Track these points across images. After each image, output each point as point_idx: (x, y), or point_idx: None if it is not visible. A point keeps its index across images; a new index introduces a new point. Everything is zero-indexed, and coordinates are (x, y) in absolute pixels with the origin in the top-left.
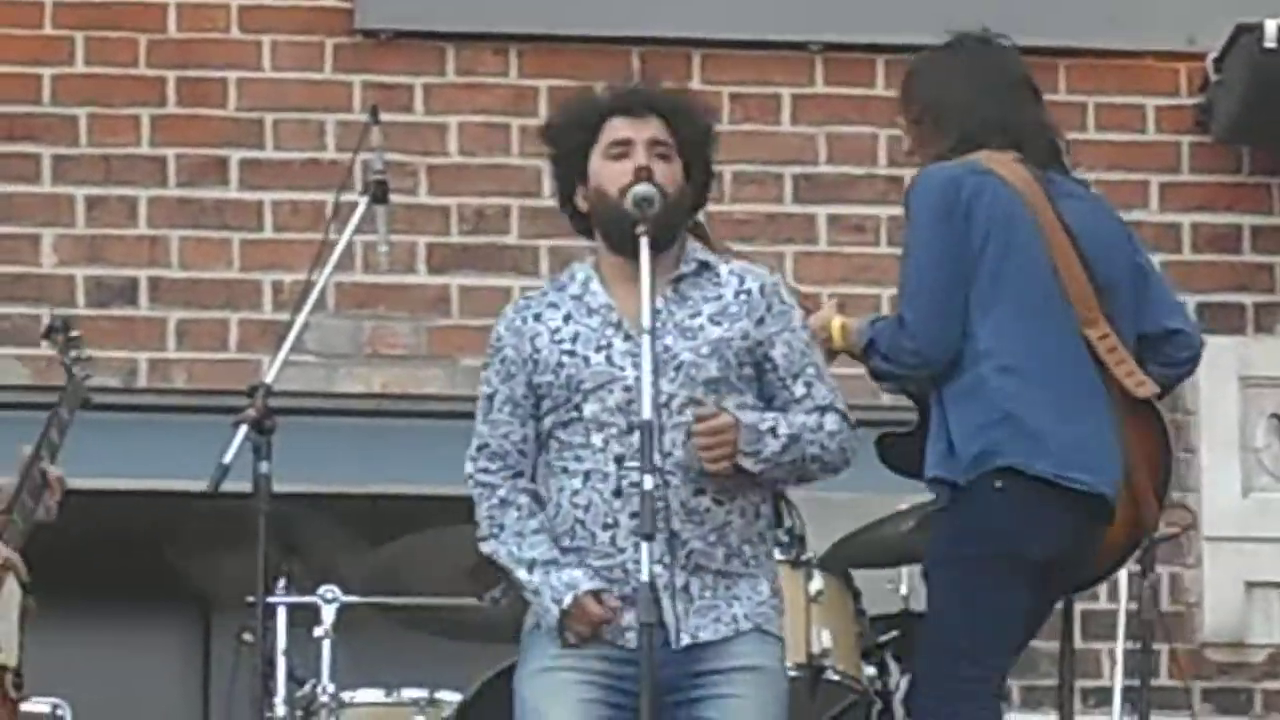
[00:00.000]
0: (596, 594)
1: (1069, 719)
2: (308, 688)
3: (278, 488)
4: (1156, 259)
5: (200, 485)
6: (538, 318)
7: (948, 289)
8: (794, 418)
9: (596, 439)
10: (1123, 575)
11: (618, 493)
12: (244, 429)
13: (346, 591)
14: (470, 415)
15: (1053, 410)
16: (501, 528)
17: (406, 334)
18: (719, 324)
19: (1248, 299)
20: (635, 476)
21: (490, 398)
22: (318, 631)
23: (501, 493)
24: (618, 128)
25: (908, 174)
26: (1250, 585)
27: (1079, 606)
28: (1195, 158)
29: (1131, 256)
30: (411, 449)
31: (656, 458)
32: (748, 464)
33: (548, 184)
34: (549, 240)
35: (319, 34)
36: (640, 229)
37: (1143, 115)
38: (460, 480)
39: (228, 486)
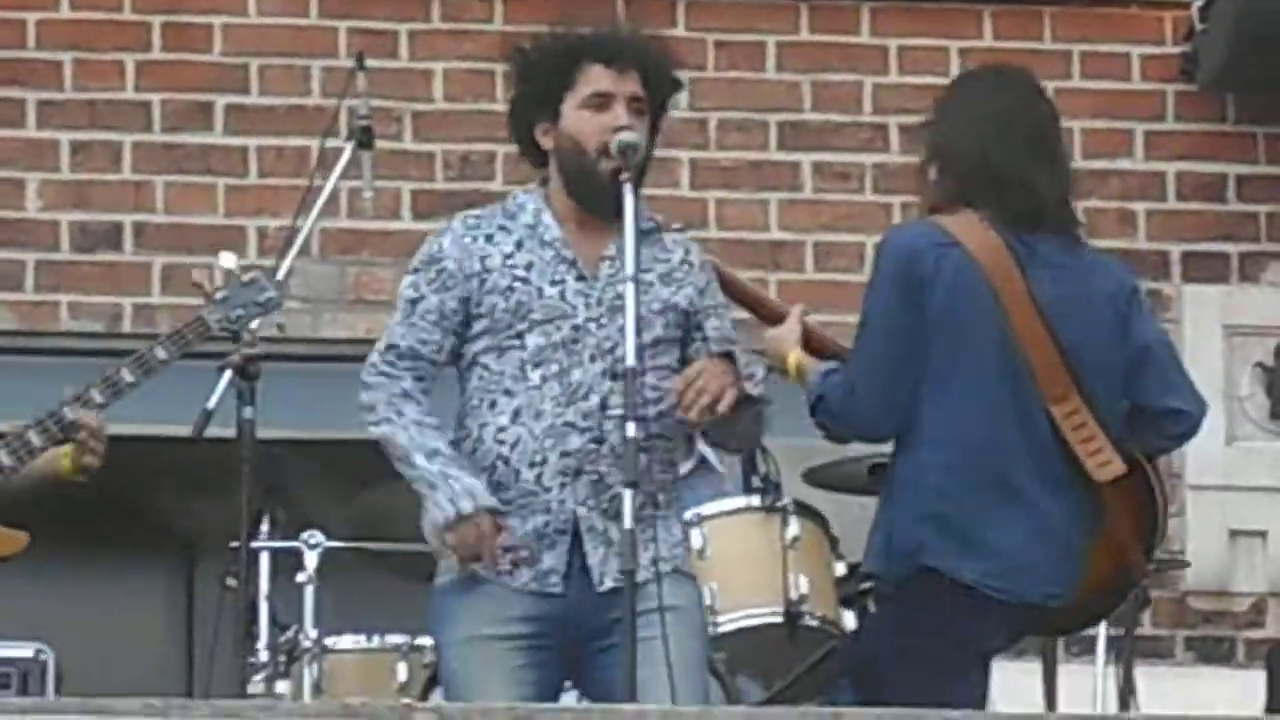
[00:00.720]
0: (494, 515)
1: (1053, 668)
2: (290, 633)
3: (262, 433)
4: (1141, 207)
5: (184, 430)
6: (489, 239)
7: (900, 365)
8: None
9: (534, 374)
10: None
11: (551, 430)
12: (228, 374)
13: (329, 537)
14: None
15: (991, 510)
16: (400, 414)
17: (391, 279)
18: (668, 286)
19: (1232, 248)
20: (571, 416)
21: (414, 302)
22: (300, 577)
23: (405, 384)
24: (598, 77)
25: (893, 121)
26: (1234, 534)
27: None
28: (1180, 106)
29: (1127, 326)
30: None
31: (594, 400)
32: (750, 386)
33: None
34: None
35: None
36: (624, 175)
37: (1128, 64)
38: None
39: (212, 432)
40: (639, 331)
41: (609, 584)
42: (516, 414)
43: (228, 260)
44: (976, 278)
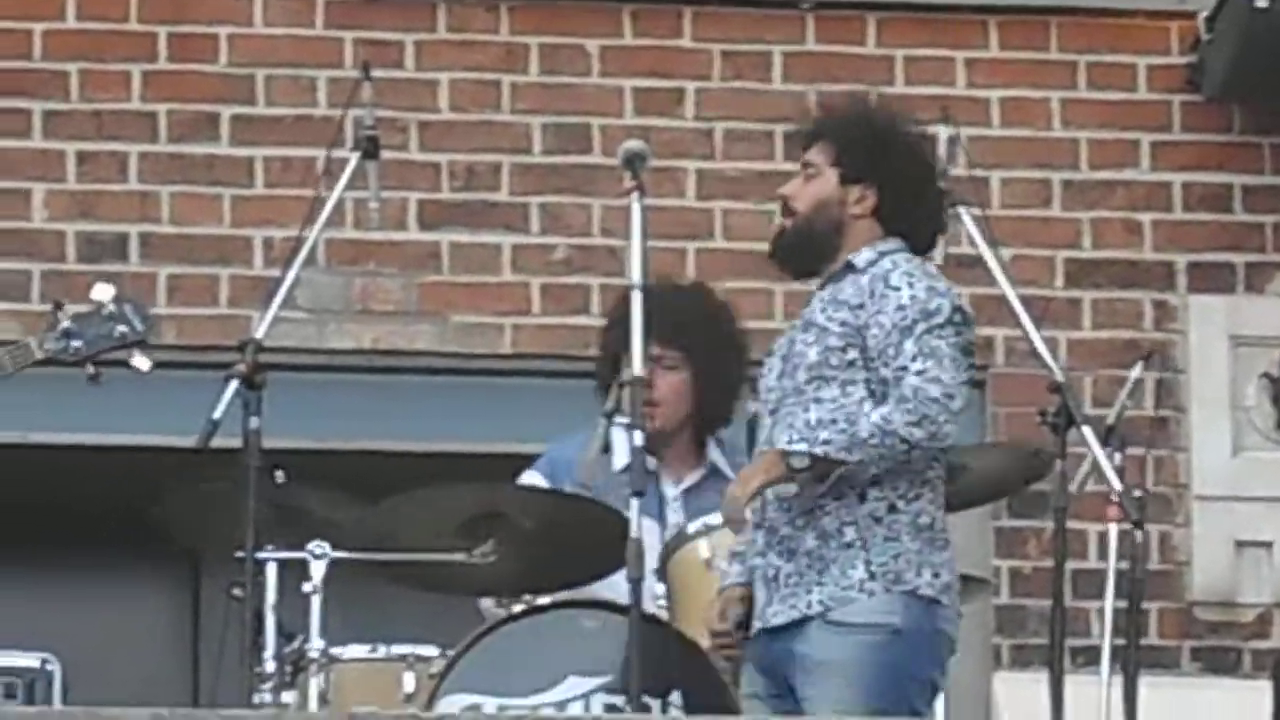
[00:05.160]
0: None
1: (1059, 678)
2: (297, 643)
3: (267, 443)
4: (1147, 218)
5: (190, 441)
6: None
7: None
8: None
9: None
10: (1112, 533)
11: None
12: (234, 384)
13: (336, 547)
14: (459, 372)
15: None
16: None
17: (397, 290)
18: (824, 312)
19: (1238, 258)
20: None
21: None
22: (307, 587)
23: None
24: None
25: None
26: (1240, 544)
27: (1070, 565)
28: (1186, 117)
29: None
30: (401, 405)
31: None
32: (796, 451)
33: (538, 140)
34: (539, 197)
35: None
36: (628, 184)
37: (1134, 74)
38: (450, 436)
39: (218, 442)
40: (785, 378)
41: (758, 626)
42: None
43: (101, 293)
44: None
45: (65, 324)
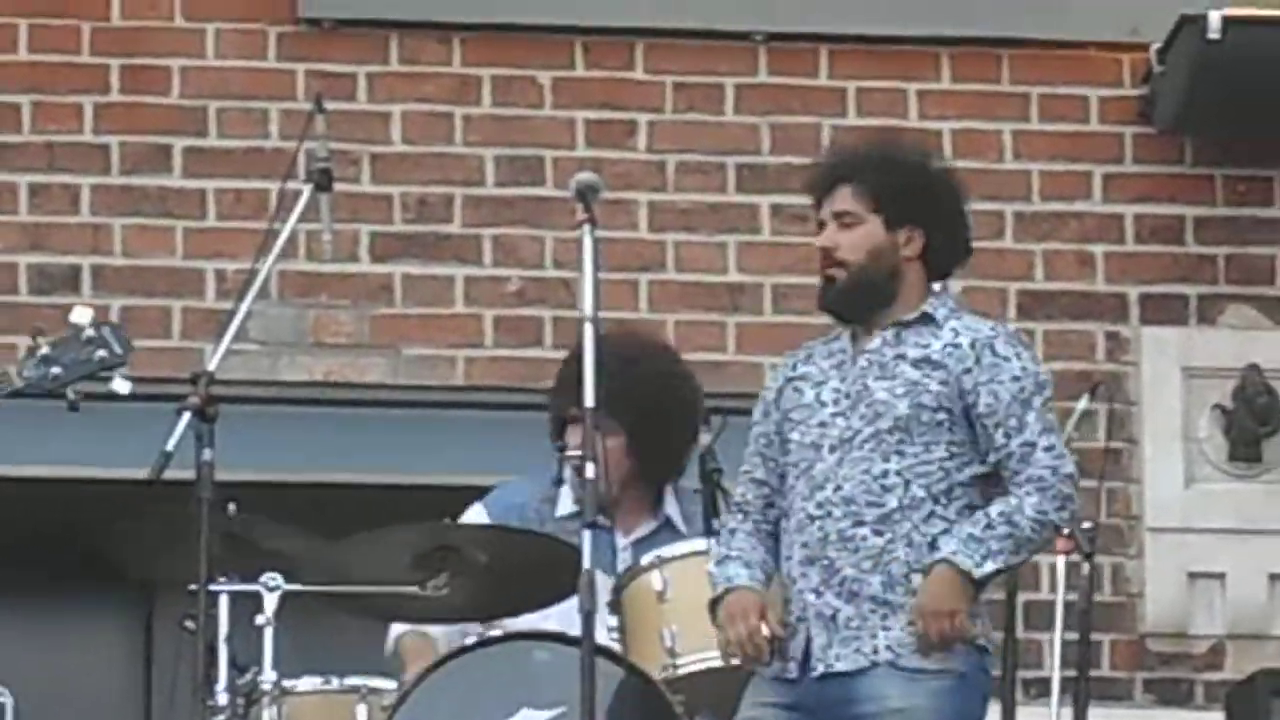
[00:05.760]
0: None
1: (1011, 709)
2: (250, 675)
3: (220, 475)
4: (1099, 249)
5: (143, 473)
6: None
7: None
8: (994, 509)
9: (791, 475)
10: (1060, 564)
11: (795, 526)
12: (187, 416)
13: (289, 579)
14: (412, 404)
15: None
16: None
17: (349, 322)
18: (919, 369)
19: (1190, 290)
20: (811, 509)
21: None
22: (260, 619)
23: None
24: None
25: None
26: (1192, 576)
27: (1021, 597)
28: (1138, 148)
29: None
30: (354, 437)
31: (829, 490)
32: (985, 570)
33: (490, 172)
34: (492, 229)
35: (262, 22)
36: (580, 217)
37: (1086, 106)
38: (402, 469)
39: (170, 474)
40: (854, 418)
41: (820, 669)
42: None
43: (80, 315)
44: None
45: (44, 350)
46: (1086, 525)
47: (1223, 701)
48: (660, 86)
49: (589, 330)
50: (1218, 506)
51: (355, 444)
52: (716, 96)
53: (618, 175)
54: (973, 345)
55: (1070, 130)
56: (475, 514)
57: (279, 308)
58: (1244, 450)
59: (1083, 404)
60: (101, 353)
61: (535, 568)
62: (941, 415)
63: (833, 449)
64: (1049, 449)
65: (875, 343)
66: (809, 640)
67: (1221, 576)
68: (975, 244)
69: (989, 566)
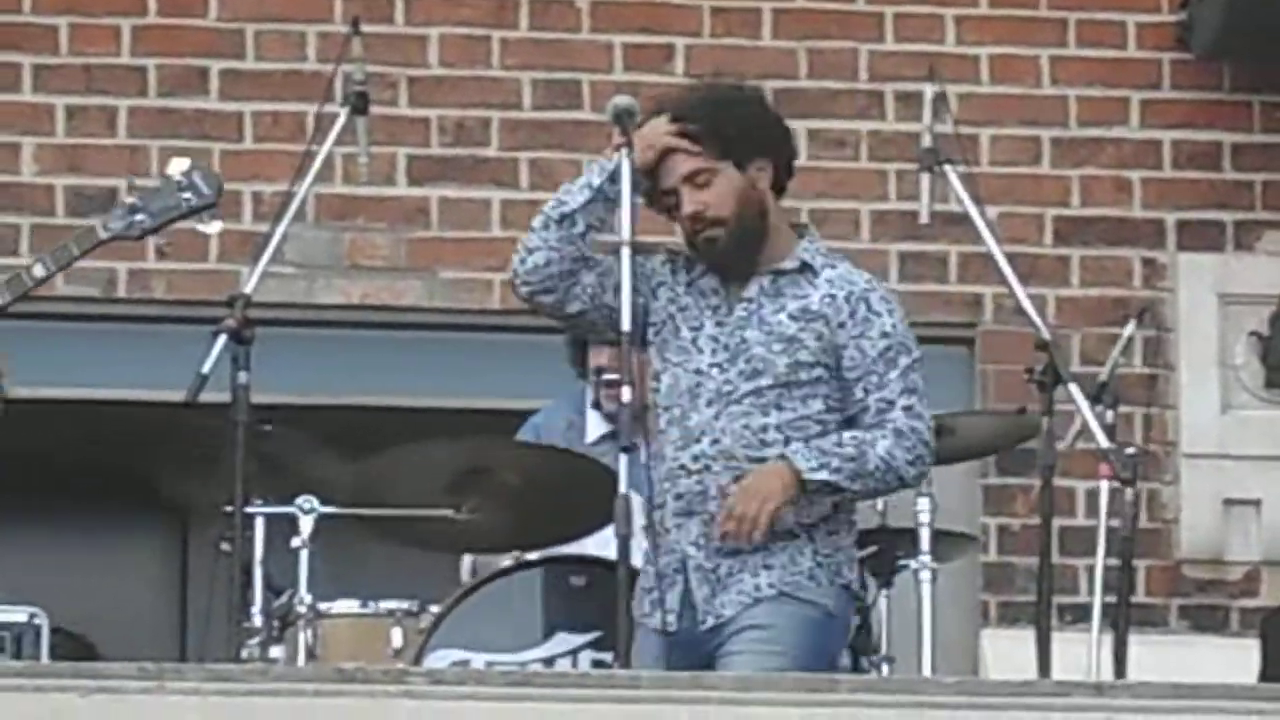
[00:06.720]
0: None
1: (1046, 635)
2: (285, 598)
3: (256, 398)
4: (1136, 175)
5: (179, 395)
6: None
7: None
8: (849, 433)
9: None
10: (1103, 490)
11: (666, 475)
12: (223, 339)
13: (324, 502)
14: (449, 327)
15: None
16: None
17: (386, 245)
18: (796, 321)
19: (1227, 216)
20: (687, 461)
21: None
22: (295, 542)
23: None
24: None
25: (889, 89)
26: (1228, 503)
27: (1058, 523)
28: (1176, 74)
29: None
30: (390, 360)
31: (706, 443)
32: (816, 476)
33: (528, 96)
34: (529, 153)
35: None
36: (617, 141)
37: (1123, 31)
38: (438, 392)
39: (206, 397)
40: (732, 372)
41: (710, 622)
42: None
43: (175, 167)
44: None
45: (130, 200)
46: (1129, 451)
47: (1258, 628)
48: (698, 10)
49: (625, 255)
50: (1254, 433)
51: (391, 367)
52: (754, 21)
53: (655, 99)
54: (848, 299)
55: (1108, 56)
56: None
57: (315, 230)
58: None
59: (1129, 329)
60: (188, 195)
61: (570, 490)
62: (819, 370)
63: (710, 402)
64: (908, 409)
65: (752, 290)
66: (688, 592)
67: (1257, 503)
68: (1013, 169)
69: (821, 474)
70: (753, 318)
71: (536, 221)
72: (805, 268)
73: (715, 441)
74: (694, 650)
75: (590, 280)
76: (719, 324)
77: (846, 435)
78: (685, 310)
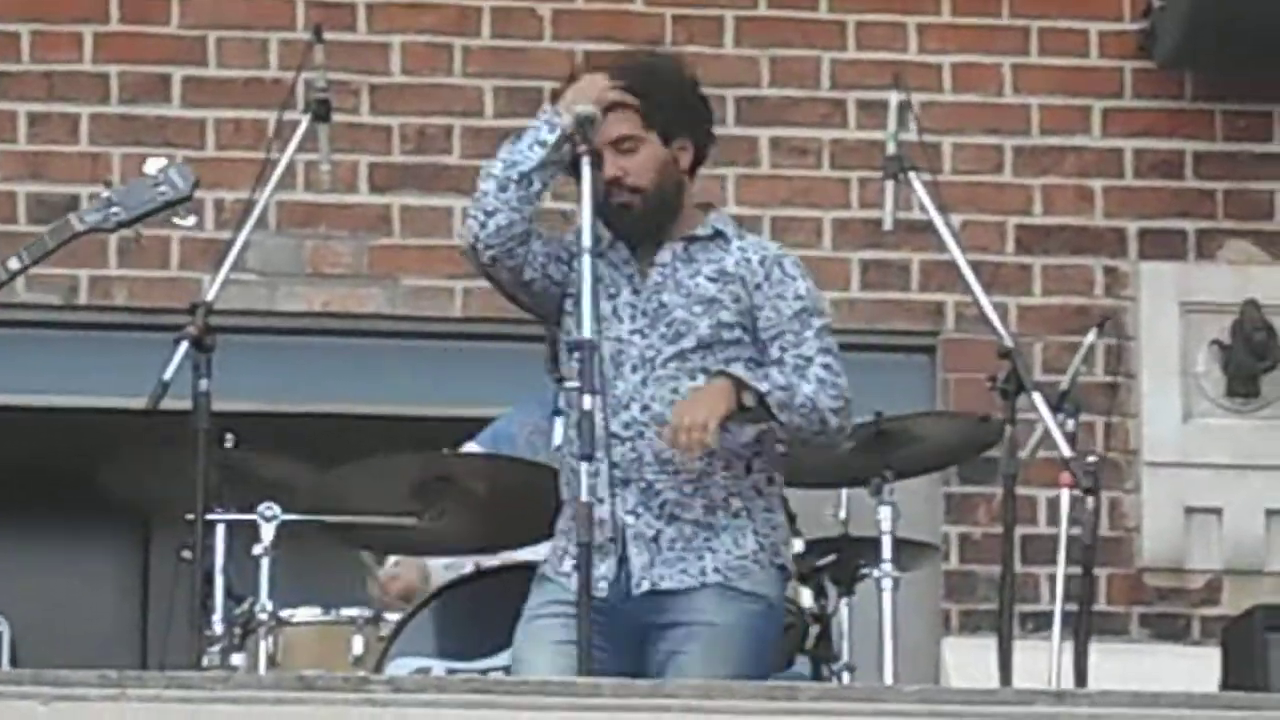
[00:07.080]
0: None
1: (1008, 643)
2: (246, 605)
3: (217, 406)
4: (1098, 184)
5: (140, 402)
6: None
7: None
8: (776, 369)
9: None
10: (1064, 499)
11: (597, 444)
12: (184, 346)
13: (286, 510)
14: (410, 335)
15: None
16: None
17: (348, 253)
18: (715, 283)
19: (1189, 225)
20: (617, 428)
21: None
22: (256, 549)
23: None
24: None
25: (850, 97)
26: (1189, 511)
27: (1020, 531)
28: (1138, 83)
29: None
30: (351, 368)
31: (635, 409)
32: (760, 386)
33: (490, 103)
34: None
35: None
36: (581, 149)
37: (1086, 40)
38: (400, 399)
39: (167, 404)
40: (654, 337)
41: (645, 586)
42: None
43: (152, 166)
44: None
45: (106, 194)
46: (1092, 459)
47: (1219, 637)
48: (660, 18)
49: (586, 262)
50: (1215, 442)
51: (353, 375)
52: (716, 29)
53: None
54: (763, 262)
55: (1070, 64)
56: (468, 450)
57: (277, 238)
58: (1241, 386)
59: (1091, 337)
60: (163, 189)
61: (533, 498)
62: (739, 332)
63: (635, 369)
64: (826, 366)
65: (665, 256)
66: (624, 560)
67: (1218, 512)
68: (975, 177)
69: (764, 386)
70: (668, 281)
71: (489, 185)
72: (718, 234)
73: (645, 408)
74: (622, 620)
75: (538, 248)
76: (635, 291)
77: (775, 371)
78: (600, 280)
